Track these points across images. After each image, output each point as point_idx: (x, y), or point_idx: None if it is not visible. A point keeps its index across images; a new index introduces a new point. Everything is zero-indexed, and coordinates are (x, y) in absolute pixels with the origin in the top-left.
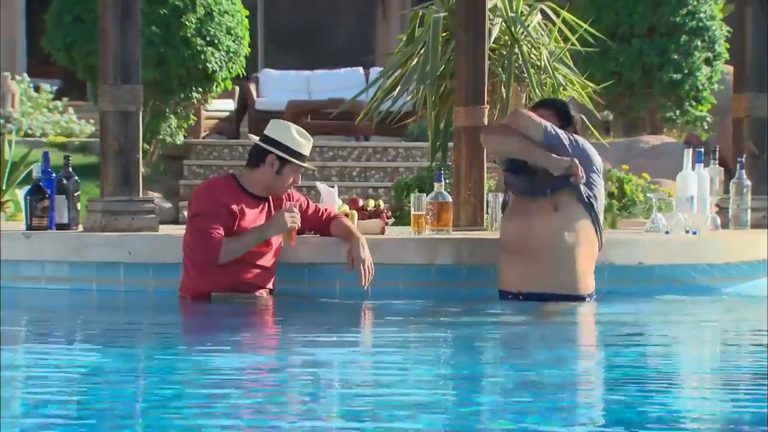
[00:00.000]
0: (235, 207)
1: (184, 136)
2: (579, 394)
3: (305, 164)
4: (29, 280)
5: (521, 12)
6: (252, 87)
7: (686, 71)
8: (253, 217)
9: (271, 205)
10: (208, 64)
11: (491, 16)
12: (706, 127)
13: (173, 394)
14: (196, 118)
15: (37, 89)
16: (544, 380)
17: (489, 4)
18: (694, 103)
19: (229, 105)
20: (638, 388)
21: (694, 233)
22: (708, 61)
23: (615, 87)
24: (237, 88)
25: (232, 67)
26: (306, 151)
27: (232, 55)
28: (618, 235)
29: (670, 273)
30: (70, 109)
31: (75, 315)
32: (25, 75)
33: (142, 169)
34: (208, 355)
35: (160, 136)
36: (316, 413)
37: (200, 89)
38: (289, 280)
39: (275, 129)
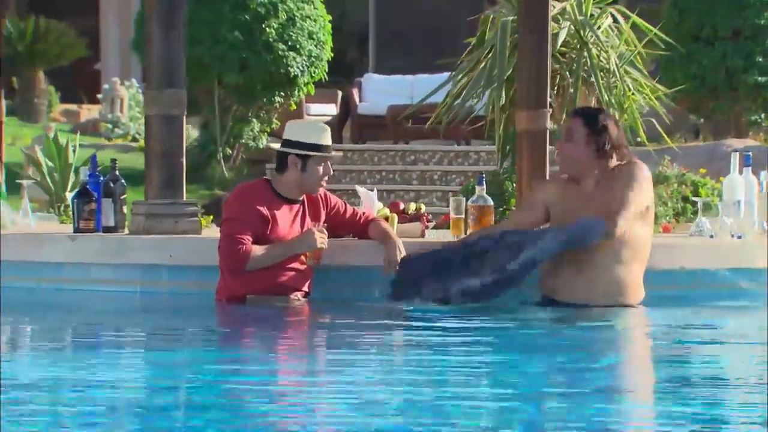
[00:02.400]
0: (266, 212)
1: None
2: (613, 404)
3: (328, 153)
4: (74, 283)
5: (590, 15)
6: (355, 92)
7: None
8: (287, 221)
9: (306, 207)
10: (290, 68)
11: (560, 20)
12: None
13: (197, 399)
14: (279, 123)
15: None
16: (580, 388)
17: (558, 8)
18: None
19: (332, 110)
20: (682, 398)
21: (740, 237)
22: None
23: (698, 90)
24: (339, 93)
25: (314, 72)
26: (324, 141)
27: (314, 59)
28: (661, 239)
29: (714, 278)
30: None
31: (114, 318)
32: (134, 80)
33: (226, 173)
34: (234, 359)
35: (243, 140)
36: (347, 417)
37: (282, 94)
38: (327, 283)
39: (289, 130)
